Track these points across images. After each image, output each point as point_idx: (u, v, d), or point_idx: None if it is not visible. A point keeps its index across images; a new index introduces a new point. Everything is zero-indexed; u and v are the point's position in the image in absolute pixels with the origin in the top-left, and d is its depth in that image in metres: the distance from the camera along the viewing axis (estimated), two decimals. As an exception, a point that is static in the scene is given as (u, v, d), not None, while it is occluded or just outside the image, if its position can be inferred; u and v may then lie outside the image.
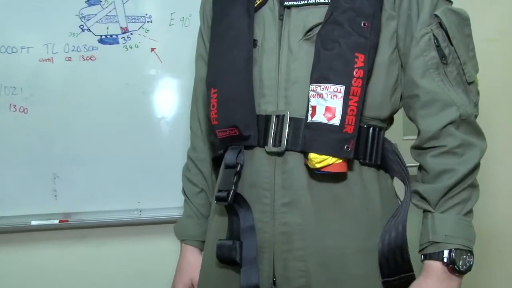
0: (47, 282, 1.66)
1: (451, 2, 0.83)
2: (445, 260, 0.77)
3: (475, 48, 0.84)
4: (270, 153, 0.82)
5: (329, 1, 0.79)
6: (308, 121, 0.77)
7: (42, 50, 1.61)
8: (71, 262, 1.66)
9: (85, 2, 1.62)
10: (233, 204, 0.83)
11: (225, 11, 0.89)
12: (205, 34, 1.02)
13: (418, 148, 0.84)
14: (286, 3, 0.83)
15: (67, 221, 1.63)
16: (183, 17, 1.65)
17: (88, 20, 1.62)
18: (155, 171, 1.65)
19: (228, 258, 0.83)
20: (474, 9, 0.92)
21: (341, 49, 0.75)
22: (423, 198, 0.81)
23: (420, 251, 0.81)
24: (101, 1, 1.62)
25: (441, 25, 0.79)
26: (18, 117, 1.61)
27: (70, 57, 1.62)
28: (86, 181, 1.63)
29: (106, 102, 1.63)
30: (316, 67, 0.77)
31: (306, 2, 0.81)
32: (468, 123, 0.80)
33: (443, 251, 0.77)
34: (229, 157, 0.86)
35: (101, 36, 1.63)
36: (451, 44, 0.79)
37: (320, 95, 0.75)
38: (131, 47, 1.64)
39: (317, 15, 0.80)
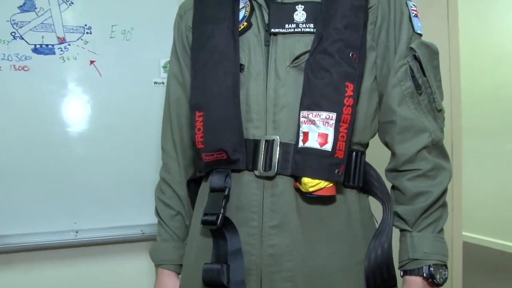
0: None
1: (421, 35, 0.89)
2: (425, 275, 0.82)
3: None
4: (259, 177, 0.83)
5: (315, 30, 0.82)
6: (299, 146, 0.78)
7: (-33, 58, 1.47)
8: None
9: (18, 7, 1.51)
10: (221, 228, 0.82)
11: (208, 33, 0.88)
12: (181, 54, 0.99)
13: (393, 171, 0.89)
14: (272, 30, 0.84)
15: (-9, 245, 1.49)
16: (124, 30, 1.60)
17: (21, 27, 1.51)
18: (92, 188, 1.57)
19: (215, 282, 0.81)
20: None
21: (332, 78, 0.77)
22: (401, 218, 0.86)
23: (400, 267, 0.86)
24: (36, 8, 1.52)
25: (415, 57, 0.85)
26: None
27: (0, 66, 1.50)
28: (12, 200, 1.50)
29: (39, 114, 1.53)
30: (306, 94, 0.79)
31: (292, 30, 0.83)
32: (438, 147, 0.87)
33: (423, 267, 0.82)
34: (216, 180, 0.84)
35: (35, 45, 1.52)
36: (424, 75, 0.85)
37: (313, 122, 0.77)
38: (68, 59, 1.55)
39: (304, 43, 0.82)
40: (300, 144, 0.78)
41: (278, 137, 0.82)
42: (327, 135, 0.76)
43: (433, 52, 0.88)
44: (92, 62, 1.58)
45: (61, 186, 1.54)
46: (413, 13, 0.87)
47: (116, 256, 1.62)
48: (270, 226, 0.82)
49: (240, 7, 0.88)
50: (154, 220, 1.55)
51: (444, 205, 0.87)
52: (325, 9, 0.81)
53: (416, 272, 0.83)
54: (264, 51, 0.85)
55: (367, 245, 0.86)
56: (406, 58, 0.85)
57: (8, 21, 1.50)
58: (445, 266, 0.84)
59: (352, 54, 0.78)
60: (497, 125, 4.63)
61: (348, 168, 0.83)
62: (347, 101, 0.77)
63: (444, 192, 0.86)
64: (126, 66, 1.60)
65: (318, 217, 0.83)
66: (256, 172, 0.83)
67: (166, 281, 0.99)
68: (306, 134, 0.78)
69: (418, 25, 0.88)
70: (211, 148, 0.85)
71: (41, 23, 1.53)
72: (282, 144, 0.81)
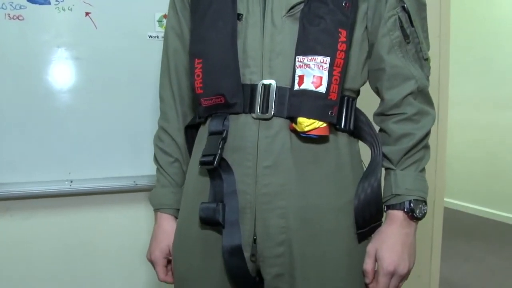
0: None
1: None
2: (405, 209, 0.88)
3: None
4: (256, 119, 0.87)
5: None
6: (295, 89, 0.83)
7: (-41, 5, 1.46)
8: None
9: (12, -45, 1.49)
10: (218, 168, 0.86)
11: None
12: (179, 7, 1.01)
13: (381, 114, 0.94)
14: None
15: (-13, 192, 1.52)
16: (121, -17, 1.59)
17: (15, -25, 1.50)
18: (85, 139, 1.60)
19: (211, 220, 0.86)
20: None
21: (326, 24, 0.81)
22: (386, 158, 0.92)
23: (383, 202, 0.92)
24: (31, -44, 1.51)
25: (404, 8, 0.88)
26: None
27: (-7, 15, 1.49)
28: (9, 150, 1.53)
29: (33, 64, 1.53)
30: (301, 40, 0.83)
31: None
32: (423, 94, 0.92)
33: (404, 202, 0.89)
34: (215, 124, 0.89)
35: (30, -6, 1.52)
36: (412, 26, 0.89)
37: (307, 66, 0.81)
38: (63, 9, 1.55)
39: None
40: (296, 87, 0.82)
41: (274, 81, 0.86)
42: (321, 77, 0.80)
43: (421, 4, 0.92)
44: (87, 13, 1.58)
45: (56, 136, 1.57)
46: None
47: (110, 205, 1.66)
48: (264, 166, 0.86)
49: None
50: (147, 171, 1.62)
51: (427, 146, 0.93)
52: None
53: (398, 206, 0.89)
54: (261, 2, 0.88)
55: (356, 186, 0.91)
56: (396, 9, 0.88)
57: (2, -32, 1.49)
58: (425, 202, 0.90)
59: (345, 3, 0.82)
60: (484, 97, 4.72)
61: (340, 112, 0.88)
62: (340, 46, 0.81)
63: (427, 134, 0.91)
64: (121, 19, 1.60)
65: (311, 158, 0.87)
66: (254, 115, 0.87)
67: (165, 224, 1.03)
68: (301, 77, 0.82)
69: None
70: (209, 93, 0.88)
71: (36, -29, 1.52)
72: (278, 88, 0.85)
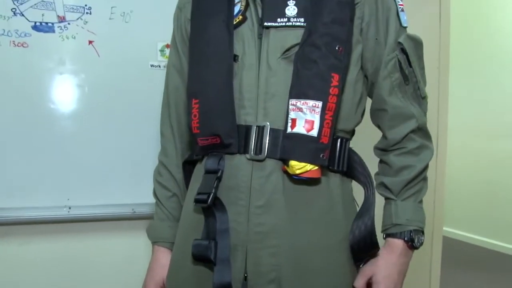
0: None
1: (406, 29, 0.95)
2: (406, 238, 0.92)
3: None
4: (250, 160, 0.89)
5: (305, 24, 0.87)
6: (287, 131, 0.85)
7: (-34, 32, 1.49)
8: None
9: (19, -16, 1.53)
10: (212, 206, 0.87)
11: (205, 25, 0.94)
12: (180, 45, 1.04)
13: (383, 150, 0.97)
14: (266, 23, 0.89)
15: (-12, 217, 1.52)
16: (124, 12, 1.62)
17: (21, 4, 1.53)
18: (85, 166, 1.60)
19: (203, 257, 0.88)
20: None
21: (319, 69, 0.83)
22: (387, 188, 0.94)
23: (383, 231, 0.95)
24: (37, -14, 1.54)
25: (403, 50, 0.91)
26: None
27: (-2, 42, 1.51)
28: (9, 174, 1.53)
29: (36, 91, 1.55)
30: (295, 84, 0.85)
31: (284, 24, 0.88)
32: (423, 130, 0.95)
33: (405, 232, 0.92)
34: (210, 163, 0.91)
35: (35, 22, 1.54)
36: (410, 66, 0.92)
37: (300, 109, 0.83)
38: (67, 38, 1.58)
39: (294, 37, 0.87)
40: (289, 129, 0.85)
41: (268, 123, 0.87)
42: (313, 121, 0.83)
43: (418, 43, 0.95)
44: (90, 42, 1.60)
45: (56, 162, 1.57)
46: (400, 7, 0.93)
47: (108, 233, 1.66)
48: (257, 206, 0.88)
49: (236, 1, 0.93)
50: (145, 200, 1.62)
51: (425, 179, 0.96)
52: (314, 4, 0.87)
53: (398, 235, 0.92)
54: (257, 43, 0.90)
55: (348, 226, 0.92)
56: (395, 51, 0.91)
57: (9, -3, 1.52)
58: (423, 232, 0.94)
59: (338, 47, 0.84)
60: (483, 126, 4.74)
61: (333, 153, 0.90)
62: (332, 90, 0.83)
63: (426, 167, 0.95)
64: (124, 48, 1.63)
65: (303, 199, 0.89)
66: (247, 156, 0.88)
67: (161, 257, 1.05)
68: (294, 121, 0.84)
69: (404, 19, 0.93)
70: (206, 133, 0.90)
71: (42, 0, 1.55)
72: (272, 130, 0.87)
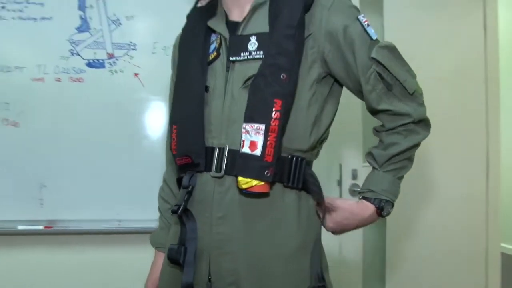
0: (31, 283, 1.82)
1: (378, 40, 1.01)
2: (377, 205, 1.04)
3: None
4: (213, 177, 1.01)
5: (263, 56, 0.98)
6: (240, 152, 0.95)
7: (34, 70, 1.77)
8: (53, 265, 1.83)
9: (76, 29, 1.78)
10: (182, 216, 1.02)
11: (185, 62, 1.09)
12: (173, 75, 1.21)
13: (379, 131, 1.08)
14: (231, 58, 1.01)
15: (51, 227, 1.79)
16: (165, 46, 1.81)
17: (77, 45, 1.78)
18: (135, 185, 1.82)
19: (174, 260, 1.02)
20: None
21: (263, 95, 0.94)
22: (374, 159, 1.05)
23: (360, 193, 1.07)
24: (90, 29, 1.78)
25: (378, 61, 0.98)
26: (9, 130, 1.77)
27: (59, 78, 1.78)
28: (70, 191, 1.79)
29: (91, 119, 1.80)
30: (246, 109, 0.95)
31: (246, 58, 0.99)
32: (421, 121, 1.03)
33: (377, 199, 1.04)
34: (185, 180, 1.05)
35: (89, 60, 1.79)
36: (390, 72, 0.99)
37: (247, 132, 0.94)
38: (116, 72, 1.80)
39: (254, 69, 0.97)
40: (241, 150, 0.95)
41: (227, 145, 1.00)
42: (256, 142, 0.93)
43: (391, 49, 1.01)
44: (136, 74, 1.81)
45: (108, 181, 1.81)
46: (365, 24, 0.99)
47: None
48: (217, 217, 1.00)
49: (213, 40, 1.06)
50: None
51: (410, 159, 1.06)
52: (269, 38, 0.97)
53: (372, 201, 1.04)
54: (225, 76, 1.02)
55: (304, 236, 1.01)
56: (372, 67, 0.98)
57: (67, 40, 1.77)
58: (393, 204, 1.05)
59: (283, 76, 0.93)
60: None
61: (288, 171, 0.99)
62: (275, 114, 0.92)
63: (413, 147, 1.04)
64: (165, 78, 1.79)
65: (257, 211, 0.99)
66: (211, 173, 1.01)
67: (158, 260, 1.21)
68: (243, 142, 0.95)
69: (372, 32, 1.00)
70: (181, 154, 1.04)
71: (94, 41, 1.79)
72: (230, 151, 0.99)
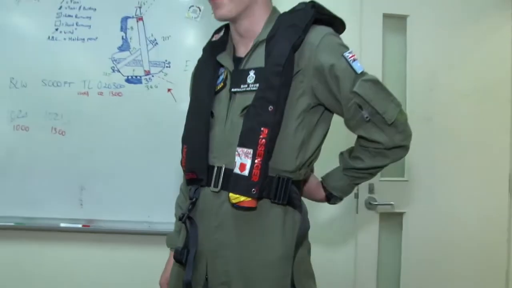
0: (68, 275, 2.03)
1: (364, 73, 1.10)
2: (327, 195, 1.27)
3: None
4: (212, 191, 1.16)
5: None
6: (233, 171, 1.09)
7: (80, 85, 1.99)
8: (88, 260, 2.03)
9: (117, 48, 1.98)
10: (186, 223, 1.19)
11: (196, 90, 1.27)
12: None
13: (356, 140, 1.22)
14: (232, 89, 1.16)
15: (88, 226, 1.99)
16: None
17: (118, 63, 1.98)
18: (164, 191, 1.97)
19: (178, 260, 1.18)
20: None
21: (252, 124, 1.07)
22: (341, 160, 1.24)
23: (322, 177, 1.28)
24: (130, 48, 1.98)
25: (359, 94, 1.08)
26: (57, 138, 1.99)
27: (102, 92, 1.99)
28: (107, 194, 2.00)
29: (128, 130, 1.99)
30: (240, 135, 1.09)
31: (244, 89, 1.13)
32: (393, 149, 1.14)
33: (329, 192, 1.26)
34: (190, 192, 1.21)
35: (128, 76, 1.99)
36: (370, 105, 1.08)
37: (239, 154, 1.08)
38: (151, 87, 1.99)
39: (250, 99, 1.10)
40: (234, 170, 1.09)
41: (224, 165, 1.14)
42: (245, 164, 1.06)
43: (375, 82, 1.10)
44: (169, 90, 2.00)
45: (140, 187, 1.99)
46: (351, 60, 1.09)
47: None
48: (214, 226, 1.15)
49: (221, 72, 1.22)
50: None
51: (372, 174, 1.23)
52: (263, 73, 1.10)
53: (325, 188, 1.27)
54: (228, 104, 1.17)
55: (284, 246, 1.12)
56: (353, 99, 1.09)
57: (110, 58, 1.98)
58: (341, 200, 1.28)
59: (270, 108, 1.06)
60: None
61: (275, 189, 1.11)
62: (261, 141, 1.06)
63: (377, 167, 1.19)
64: (195, 94, 1.98)
65: (246, 222, 1.12)
66: (210, 188, 1.16)
67: (171, 259, 1.34)
68: (236, 163, 1.08)
69: (358, 66, 1.09)
70: (188, 170, 1.20)
71: (133, 59, 1.99)
72: (227, 170, 1.13)
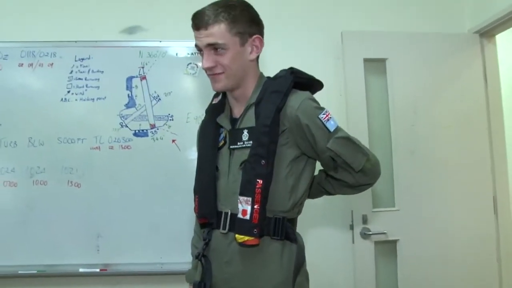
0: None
1: (338, 129, 1.31)
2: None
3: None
4: (221, 233, 1.35)
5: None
6: (237, 216, 1.29)
7: (92, 141, 2.19)
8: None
9: (124, 105, 2.19)
10: (201, 260, 1.37)
11: (202, 148, 1.46)
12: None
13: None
14: (230, 147, 1.36)
15: (106, 270, 2.16)
16: (197, 116, 2.18)
17: (126, 119, 2.18)
18: (174, 234, 2.16)
19: None
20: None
21: (249, 176, 1.27)
22: (321, 173, 1.48)
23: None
24: (136, 105, 2.19)
25: (332, 150, 1.30)
26: (73, 190, 2.18)
27: (112, 146, 2.18)
28: (121, 239, 2.17)
29: (138, 179, 2.18)
30: (240, 186, 1.29)
31: (240, 146, 1.33)
32: (360, 185, 1.38)
33: None
34: (204, 234, 1.39)
35: (135, 130, 2.19)
36: (340, 157, 1.31)
37: (241, 202, 1.27)
38: (157, 139, 2.19)
39: (245, 154, 1.30)
40: (238, 215, 1.28)
41: (230, 210, 1.33)
42: (246, 210, 1.26)
43: (346, 139, 1.32)
44: (173, 141, 2.19)
45: (152, 231, 2.17)
46: (324, 121, 1.29)
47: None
48: (225, 261, 1.34)
49: (222, 131, 1.41)
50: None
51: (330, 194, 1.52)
52: (254, 132, 1.30)
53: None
54: (228, 159, 1.36)
55: (283, 274, 1.30)
56: (326, 153, 1.30)
57: (118, 115, 2.19)
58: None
59: (263, 162, 1.26)
60: None
61: (273, 227, 1.30)
62: (257, 190, 1.26)
63: (337, 194, 1.48)
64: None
65: (251, 256, 1.31)
66: (220, 230, 1.35)
67: None
68: (239, 209, 1.28)
69: (331, 124, 1.30)
70: (200, 216, 1.40)
71: (139, 115, 2.19)
72: (232, 215, 1.32)
